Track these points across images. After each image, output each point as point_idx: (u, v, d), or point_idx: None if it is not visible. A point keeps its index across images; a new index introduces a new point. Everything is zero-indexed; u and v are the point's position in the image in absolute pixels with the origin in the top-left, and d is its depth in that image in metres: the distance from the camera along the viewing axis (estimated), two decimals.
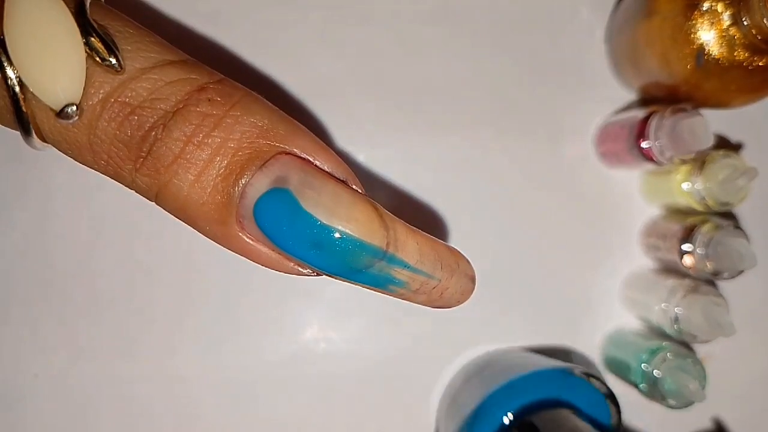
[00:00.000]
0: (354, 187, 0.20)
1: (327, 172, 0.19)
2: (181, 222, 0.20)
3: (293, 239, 0.18)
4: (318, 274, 0.20)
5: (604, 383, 0.31)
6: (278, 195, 0.18)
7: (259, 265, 0.20)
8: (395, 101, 0.36)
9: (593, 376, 0.31)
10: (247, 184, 0.18)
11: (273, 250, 0.19)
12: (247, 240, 0.19)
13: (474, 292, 0.22)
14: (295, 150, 0.19)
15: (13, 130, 0.19)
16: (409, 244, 0.19)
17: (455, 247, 0.21)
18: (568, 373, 0.31)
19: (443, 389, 0.36)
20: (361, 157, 0.36)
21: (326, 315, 0.36)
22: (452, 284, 0.21)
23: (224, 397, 0.36)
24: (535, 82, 0.37)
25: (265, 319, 0.36)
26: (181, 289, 0.35)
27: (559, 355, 0.37)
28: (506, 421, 0.30)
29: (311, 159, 0.19)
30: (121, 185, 0.20)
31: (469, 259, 0.22)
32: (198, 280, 0.35)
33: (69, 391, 0.35)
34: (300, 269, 0.20)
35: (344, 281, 0.19)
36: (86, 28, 0.17)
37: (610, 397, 0.31)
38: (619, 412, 0.32)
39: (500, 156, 0.37)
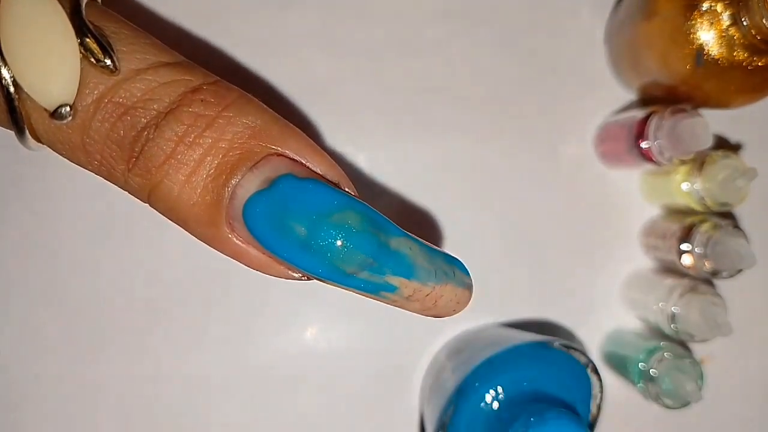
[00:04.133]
0: (347, 189, 0.20)
1: (319, 174, 0.19)
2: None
3: (283, 241, 0.18)
4: (309, 279, 0.20)
5: (584, 353, 0.31)
6: (268, 196, 0.18)
7: (251, 269, 0.20)
8: (395, 101, 0.36)
9: (573, 348, 0.31)
10: (237, 185, 0.18)
11: (263, 253, 0.19)
12: (237, 242, 0.19)
13: (471, 301, 0.21)
14: (287, 152, 0.19)
15: (9, 131, 0.19)
16: (402, 249, 0.19)
17: (451, 254, 0.21)
18: (547, 346, 0.31)
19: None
20: (361, 157, 0.36)
21: (326, 315, 0.36)
22: (447, 292, 0.20)
23: (224, 397, 0.36)
24: (535, 83, 0.37)
25: (265, 319, 0.36)
26: (181, 289, 0.35)
27: (546, 329, 0.37)
28: (489, 398, 0.30)
29: (303, 161, 0.19)
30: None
31: (466, 266, 0.21)
32: (198, 279, 0.36)
33: (69, 391, 0.35)
34: (291, 273, 0.20)
35: (335, 286, 0.19)
36: (81, 29, 0.17)
37: (591, 367, 0.31)
38: (600, 381, 0.31)
39: (500, 156, 0.37)
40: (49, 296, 0.35)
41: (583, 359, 0.31)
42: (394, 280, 0.19)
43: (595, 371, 0.31)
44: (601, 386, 0.32)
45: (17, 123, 0.18)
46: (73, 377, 0.35)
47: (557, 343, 0.31)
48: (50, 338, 0.35)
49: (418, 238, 0.20)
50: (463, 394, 0.30)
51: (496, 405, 0.30)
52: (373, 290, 0.19)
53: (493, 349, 0.31)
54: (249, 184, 0.18)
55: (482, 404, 0.30)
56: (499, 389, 0.30)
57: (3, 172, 0.35)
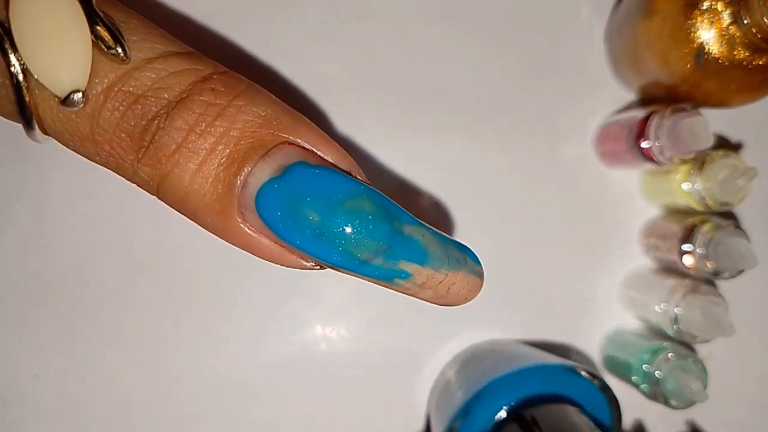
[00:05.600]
0: (359, 177, 0.20)
1: (331, 162, 0.19)
2: (182, 218, 0.20)
3: (296, 229, 0.18)
4: (322, 267, 0.19)
5: (606, 384, 0.31)
6: (280, 184, 0.18)
7: (262, 260, 0.20)
8: (395, 101, 0.36)
9: (596, 377, 0.31)
10: (249, 173, 0.18)
11: (275, 242, 0.19)
12: (249, 232, 0.19)
13: (482, 289, 0.21)
14: (298, 140, 0.19)
15: (13, 129, 0.19)
16: (415, 236, 0.19)
17: (463, 242, 0.21)
18: (572, 370, 0.31)
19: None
20: (360, 156, 0.36)
21: (326, 315, 0.36)
22: (459, 279, 0.20)
23: (224, 397, 0.36)
24: (535, 82, 0.37)
25: (266, 320, 0.36)
26: (181, 288, 0.35)
27: (557, 350, 0.37)
28: (502, 415, 0.30)
29: (314, 149, 0.19)
30: (120, 184, 0.20)
31: (477, 255, 0.21)
32: (198, 280, 0.35)
33: (69, 391, 0.35)
34: (303, 262, 0.20)
35: (349, 274, 0.19)
36: (92, 17, 0.17)
37: (612, 399, 0.31)
38: (620, 415, 0.31)
39: (500, 156, 0.37)
40: (49, 296, 0.35)
41: (606, 390, 0.31)
42: (408, 267, 0.19)
43: (615, 403, 0.31)
44: (620, 419, 0.31)
45: (25, 114, 0.18)
46: (73, 377, 0.35)
47: (582, 369, 0.31)
48: (50, 338, 0.35)
49: (429, 226, 0.20)
50: (475, 408, 0.30)
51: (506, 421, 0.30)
52: (387, 277, 0.19)
53: (511, 365, 0.31)
54: (261, 173, 0.18)
55: (493, 421, 0.30)
56: (512, 406, 0.30)
57: (3, 171, 0.34)
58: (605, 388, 0.31)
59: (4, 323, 0.34)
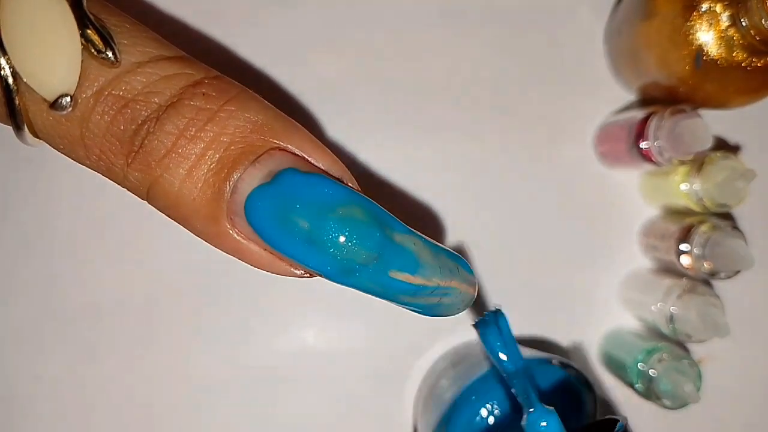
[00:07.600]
0: (350, 184, 0.19)
1: (322, 169, 0.19)
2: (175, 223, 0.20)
3: (285, 236, 0.18)
4: (312, 276, 0.19)
5: (580, 372, 0.31)
6: (270, 190, 0.18)
7: (252, 267, 0.20)
8: (395, 101, 0.36)
9: (570, 366, 0.31)
10: (239, 179, 0.18)
11: (265, 249, 0.19)
12: (239, 238, 0.19)
13: (474, 300, 0.21)
14: (289, 146, 0.19)
15: (11, 129, 0.19)
16: (407, 244, 0.19)
17: (456, 252, 0.20)
18: (544, 362, 0.31)
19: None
20: (361, 157, 0.36)
21: (326, 315, 0.36)
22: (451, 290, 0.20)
23: (223, 398, 0.36)
24: (535, 83, 0.37)
25: (265, 320, 0.36)
26: (181, 289, 0.35)
27: (538, 345, 0.37)
28: (484, 413, 0.30)
29: (306, 156, 0.19)
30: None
31: (470, 265, 0.21)
32: (198, 280, 0.35)
33: (69, 391, 0.35)
34: (293, 270, 0.19)
35: (339, 284, 0.19)
36: (83, 19, 0.17)
37: (587, 385, 0.31)
38: (595, 399, 0.31)
39: (500, 156, 0.37)
40: (49, 296, 0.35)
41: (580, 378, 0.31)
42: (399, 276, 0.19)
43: (591, 390, 0.31)
44: (596, 403, 0.32)
45: (15, 116, 0.18)
46: (73, 377, 0.35)
47: (555, 360, 0.31)
48: (50, 338, 0.35)
49: (421, 234, 0.19)
50: (459, 407, 0.30)
51: (491, 420, 0.30)
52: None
53: (489, 364, 0.31)
54: (251, 179, 0.18)
55: (477, 419, 0.30)
56: (495, 404, 0.30)
57: (3, 172, 0.34)
58: (579, 375, 0.31)
59: (4, 324, 0.35)
